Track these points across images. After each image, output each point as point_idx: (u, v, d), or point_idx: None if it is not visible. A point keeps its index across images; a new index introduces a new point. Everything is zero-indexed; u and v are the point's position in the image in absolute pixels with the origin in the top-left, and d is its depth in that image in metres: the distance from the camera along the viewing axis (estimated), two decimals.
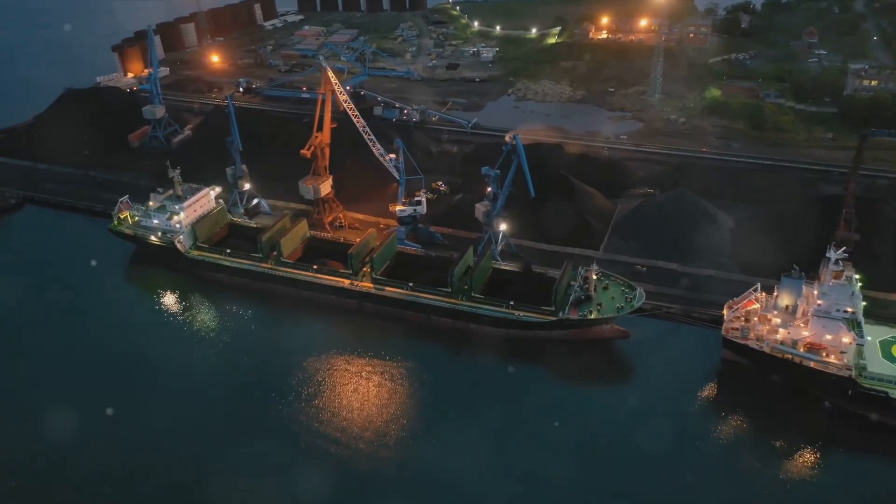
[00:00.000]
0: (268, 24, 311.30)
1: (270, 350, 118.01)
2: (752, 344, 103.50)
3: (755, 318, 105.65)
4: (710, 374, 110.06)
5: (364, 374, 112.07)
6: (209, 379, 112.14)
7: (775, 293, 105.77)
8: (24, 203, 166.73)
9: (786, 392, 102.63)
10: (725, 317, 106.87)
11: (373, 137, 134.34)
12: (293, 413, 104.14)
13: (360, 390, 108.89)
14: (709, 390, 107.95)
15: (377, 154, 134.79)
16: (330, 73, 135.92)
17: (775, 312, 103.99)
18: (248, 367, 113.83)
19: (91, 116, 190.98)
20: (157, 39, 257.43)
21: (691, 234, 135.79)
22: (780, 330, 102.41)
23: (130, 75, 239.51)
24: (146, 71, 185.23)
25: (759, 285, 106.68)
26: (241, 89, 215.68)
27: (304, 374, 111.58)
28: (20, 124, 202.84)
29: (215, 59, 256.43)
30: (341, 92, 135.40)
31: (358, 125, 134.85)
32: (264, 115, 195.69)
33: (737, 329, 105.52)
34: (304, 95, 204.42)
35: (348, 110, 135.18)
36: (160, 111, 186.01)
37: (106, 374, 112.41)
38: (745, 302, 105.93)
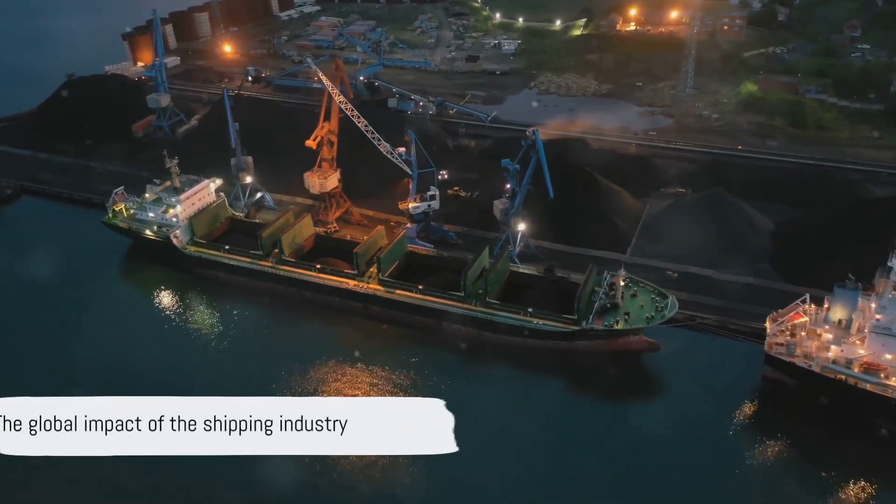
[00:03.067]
0: (283, 15, 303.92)
1: (268, 355, 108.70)
2: (800, 362, 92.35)
3: (803, 333, 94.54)
4: (749, 393, 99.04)
5: (368, 383, 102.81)
6: (200, 386, 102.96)
7: (826, 305, 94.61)
8: (20, 193, 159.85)
9: (836, 416, 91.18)
10: (769, 330, 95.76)
11: (378, 136, 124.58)
12: None
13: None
14: (748, 411, 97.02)
15: (384, 152, 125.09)
16: (322, 76, 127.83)
17: (826, 327, 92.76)
18: (243, 373, 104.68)
19: (95, 105, 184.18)
20: (169, 29, 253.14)
21: (728, 237, 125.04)
22: (833, 347, 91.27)
23: (140, 64, 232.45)
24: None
25: (807, 296, 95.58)
26: (249, 78, 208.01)
27: (302, 382, 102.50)
28: (24, 112, 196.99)
29: (228, 48, 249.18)
30: (337, 93, 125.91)
31: (359, 124, 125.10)
32: (273, 105, 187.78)
33: (781, 344, 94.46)
34: (316, 85, 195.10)
35: (346, 111, 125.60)
36: (165, 100, 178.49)
37: (90, 376, 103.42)
38: (791, 314, 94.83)
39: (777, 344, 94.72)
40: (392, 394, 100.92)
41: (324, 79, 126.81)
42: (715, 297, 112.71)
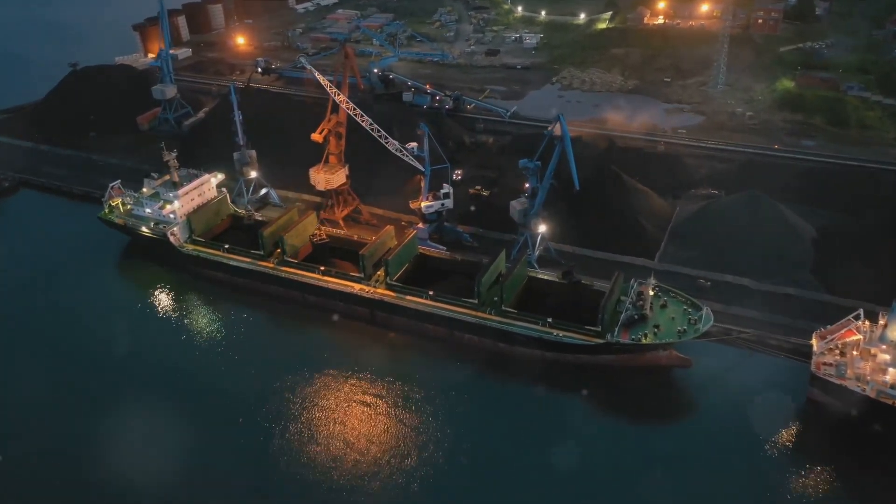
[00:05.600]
0: (300, 7, 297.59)
1: (266, 364, 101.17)
2: (851, 385, 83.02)
3: (855, 353, 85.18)
4: (791, 417, 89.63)
5: (372, 398, 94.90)
6: (192, 395, 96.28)
7: (882, 322, 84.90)
8: (19, 186, 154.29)
9: (891, 447, 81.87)
10: (816, 348, 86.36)
11: (384, 133, 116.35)
12: (283, 441, 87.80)
13: (368, 417, 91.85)
14: (789, 437, 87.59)
15: (393, 150, 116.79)
16: (319, 77, 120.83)
17: (883, 347, 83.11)
18: (239, 383, 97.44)
19: (100, 96, 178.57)
20: (182, 21, 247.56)
21: (766, 243, 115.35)
22: (890, 370, 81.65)
23: (151, 56, 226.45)
24: (172, 51, 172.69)
25: (861, 311, 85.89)
26: (259, 69, 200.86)
27: (301, 393, 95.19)
28: (28, 103, 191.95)
29: (241, 41, 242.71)
30: (336, 92, 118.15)
31: (363, 123, 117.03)
32: (282, 98, 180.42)
33: (830, 365, 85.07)
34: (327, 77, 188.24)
35: (348, 110, 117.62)
36: (171, 91, 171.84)
37: (77, 380, 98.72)
38: (842, 332, 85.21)
39: (825, 364, 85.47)
40: (398, 407, 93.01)
41: (320, 79, 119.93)
42: (753, 309, 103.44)
